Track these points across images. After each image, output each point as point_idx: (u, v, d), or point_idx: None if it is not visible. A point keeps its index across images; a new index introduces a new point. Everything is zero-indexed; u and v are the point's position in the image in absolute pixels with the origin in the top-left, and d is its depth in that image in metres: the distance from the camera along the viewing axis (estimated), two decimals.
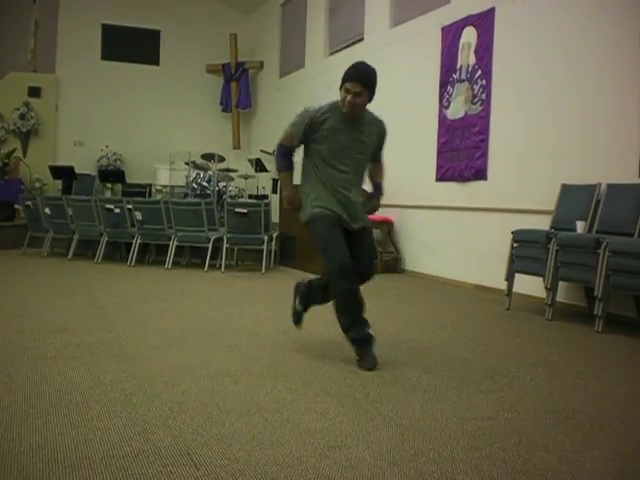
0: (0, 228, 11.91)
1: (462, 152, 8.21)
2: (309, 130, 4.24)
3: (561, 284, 6.09)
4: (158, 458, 2.60)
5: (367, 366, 4.01)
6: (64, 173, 12.49)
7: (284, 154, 4.41)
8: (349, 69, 4.24)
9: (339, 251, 4.09)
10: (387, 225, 9.51)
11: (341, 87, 4.21)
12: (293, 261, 9.58)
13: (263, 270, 8.83)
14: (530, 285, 6.53)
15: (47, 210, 10.29)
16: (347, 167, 4.28)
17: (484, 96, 7.84)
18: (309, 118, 4.25)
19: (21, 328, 5.03)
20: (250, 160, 13.03)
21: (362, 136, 4.29)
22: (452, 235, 8.38)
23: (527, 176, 7.17)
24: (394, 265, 9.35)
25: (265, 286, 7.90)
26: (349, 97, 4.13)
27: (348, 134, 4.23)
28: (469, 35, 8.16)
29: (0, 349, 4.34)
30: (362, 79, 4.15)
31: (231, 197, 11.71)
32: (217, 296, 7.12)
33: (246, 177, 12.55)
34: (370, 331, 4.15)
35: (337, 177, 4.28)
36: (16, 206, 12.32)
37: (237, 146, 15.31)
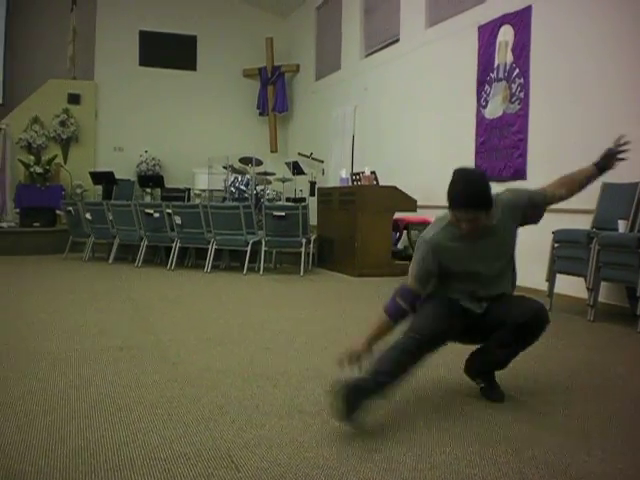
0: (42, 233, 12.11)
1: (500, 152, 8.13)
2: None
3: (603, 284, 5.99)
4: (199, 460, 2.61)
5: None
6: (104, 179, 12.67)
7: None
8: (453, 190, 3.37)
9: None
10: (426, 226, 9.42)
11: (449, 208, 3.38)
12: (331, 263, 9.58)
13: (301, 273, 8.84)
14: (571, 286, 6.43)
15: (88, 215, 10.43)
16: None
17: (522, 95, 7.76)
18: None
19: (63, 331, 5.10)
20: (287, 163, 13.06)
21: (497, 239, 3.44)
22: None
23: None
24: None
25: (303, 289, 7.91)
26: (464, 225, 3.31)
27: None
28: (506, 34, 8.09)
29: (42, 352, 4.41)
30: (472, 203, 3.26)
31: (269, 200, 11.75)
32: (256, 299, 7.15)
33: (284, 180, 12.59)
34: None
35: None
36: (58, 212, 12.52)
37: (274, 149, 15.36)
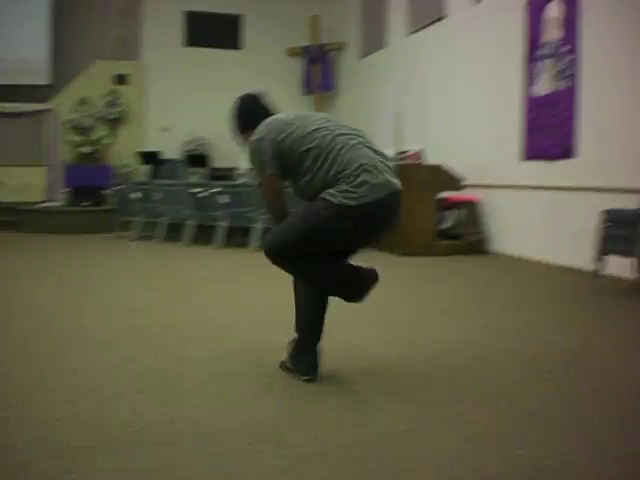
0: (90, 213, 12.31)
1: (549, 130, 8.00)
2: None
3: None
4: (245, 436, 2.65)
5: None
6: (151, 158, 12.80)
7: None
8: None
9: None
10: (472, 205, 9.37)
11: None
12: (377, 243, 9.53)
13: None
14: (620, 266, 6.32)
15: (136, 195, 10.56)
16: None
17: (570, 72, 7.61)
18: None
19: (111, 309, 5.20)
20: None
21: None
22: (539, 215, 8.19)
23: (617, 153, 6.93)
24: (480, 247, 9.21)
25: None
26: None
27: None
28: (554, 9, 7.92)
29: (90, 330, 4.50)
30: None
31: None
32: None
33: None
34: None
35: None
36: (106, 191, 12.71)
37: None
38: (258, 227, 9.26)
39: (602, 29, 7.21)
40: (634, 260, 5.78)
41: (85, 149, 13.37)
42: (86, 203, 12.48)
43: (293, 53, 15.50)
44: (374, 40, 13.47)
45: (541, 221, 8.14)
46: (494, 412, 2.96)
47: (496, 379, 3.47)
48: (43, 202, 12.69)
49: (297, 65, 15.57)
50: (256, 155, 3.36)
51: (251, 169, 3.50)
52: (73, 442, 2.57)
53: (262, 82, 15.14)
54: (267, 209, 3.49)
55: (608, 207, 6.18)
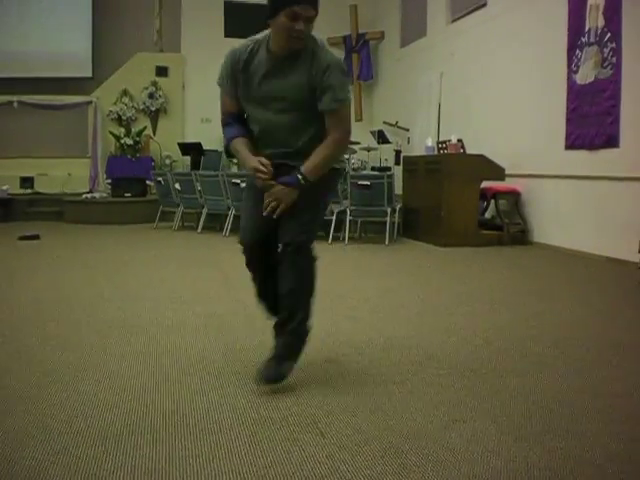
0: (133, 203, 12.46)
1: (592, 118, 7.86)
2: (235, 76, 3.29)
3: None
4: (285, 425, 2.66)
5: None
6: (192, 149, 12.89)
7: (225, 124, 3.42)
8: None
9: (243, 220, 3.41)
10: (514, 195, 9.27)
11: (277, 13, 2.95)
12: (416, 233, 9.51)
13: (386, 242, 8.82)
14: None
15: (177, 185, 10.66)
16: (276, 125, 3.15)
17: (614, 59, 7.46)
18: (227, 61, 3.37)
19: (154, 299, 5.26)
20: (372, 132, 12.98)
21: (290, 81, 3.07)
22: (582, 205, 8.08)
23: None
24: (521, 237, 9.11)
25: (389, 258, 7.89)
26: (300, 26, 2.94)
27: (269, 79, 3.14)
28: None
29: (135, 319, 4.56)
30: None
31: (354, 170, 11.73)
32: (341, 268, 7.17)
33: (368, 149, 12.53)
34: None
35: (263, 143, 3.23)
36: (148, 182, 12.86)
37: (359, 118, 15.28)
38: None
39: None
40: None
41: (127, 140, 13.51)
42: (128, 194, 12.63)
43: (333, 43, 15.44)
44: (414, 29, 13.38)
45: (584, 211, 8.02)
46: (535, 404, 2.93)
47: (539, 371, 3.44)
48: (87, 193, 12.87)
49: (337, 54, 15.50)
50: (346, 76, 3.10)
51: (346, 83, 3.10)
52: (116, 429, 2.61)
53: None
54: (345, 136, 3.09)
55: None
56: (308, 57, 3.03)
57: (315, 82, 3.00)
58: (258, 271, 3.41)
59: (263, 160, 3.01)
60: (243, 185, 9.70)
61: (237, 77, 3.21)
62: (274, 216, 3.01)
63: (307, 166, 2.99)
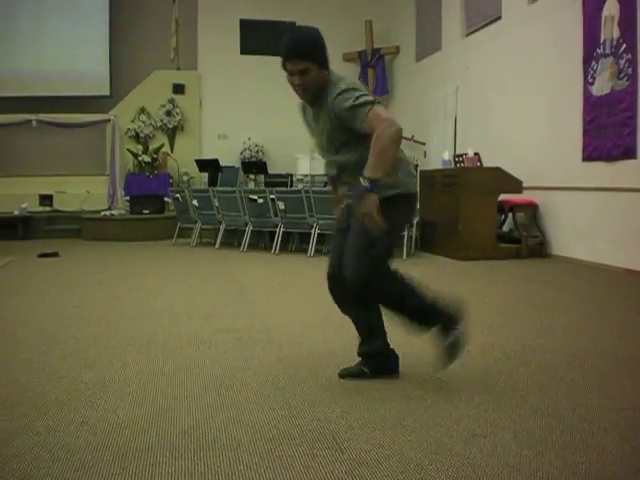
0: (151, 220, 12.53)
1: (609, 130, 7.83)
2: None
3: None
4: (304, 441, 2.66)
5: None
6: (209, 166, 12.97)
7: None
8: (281, 44, 3.20)
9: (329, 260, 3.56)
10: (532, 208, 9.23)
11: (283, 68, 3.24)
12: (434, 247, 9.49)
13: (404, 256, 8.79)
14: None
15: (195, 202, 10.71)
16: (334, 160, 3.42)
17: (630, 70, 7.44)
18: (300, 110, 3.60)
19: (172, 314, 5.28)
20: None
21: (322, 119, 3.33)
22: (601, 217, 8.03)
23: None
24: (540, 250, 9.06)
25: (407, 272, 7.84)
26: (294, 79, 3.21)
27: (315, 120, 3.42)
28: (611, 7, 7.75)
29: (152, 334, 4.57)
30: (296, 50, 3.14)
31: None
32: None
33: None
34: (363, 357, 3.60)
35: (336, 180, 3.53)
36: (166, 199, 12.93)
37: None
38: (313, 232, 9.30)
39: None
40: None
41: (145, 158, 13.61)
42: (146, 211, 12.70)
43: (349, 58, 15.51)
44: (429, 43, 13.41)
45: (603, 223, 7.98)
46: (556, 419, 2.91)
47: (557, 386, 3.41)
48: (105, 210, 12.96)
49: (353, 70, 15.57)
50: (360, 87, 3.22)
51: (354, 94, 3.14)
52: (135, 445, 2.62)
53: None
54: (385, 127, 3.04)
55: None
56: (327, 97, 3.22)
57: (336, 114, 3.19)
58: (340, 301, 3.55)
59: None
60: (261, 201, 9.75)
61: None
62: (371, 226, 3.06)
63: (368, 171, 3.04)
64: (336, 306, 3.56)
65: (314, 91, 3.24)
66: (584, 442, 2.64)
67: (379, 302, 3.41)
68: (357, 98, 3.11)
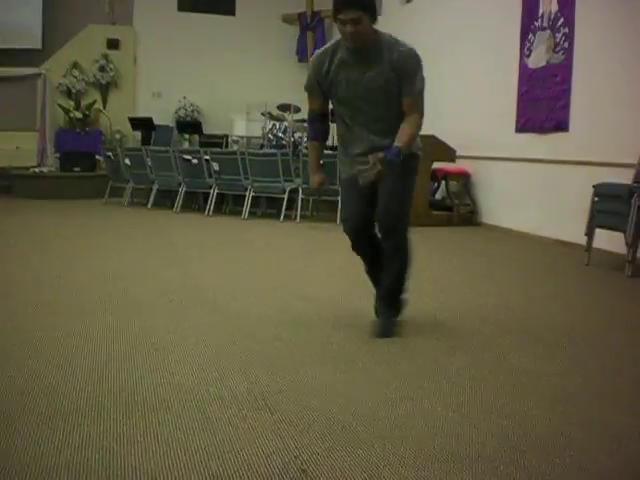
0: (83, 178, 12.25)
1: (543, 102, 7.97)
2: (320, 81, 3.62)
3: None
4: (234, 403, 2.67)
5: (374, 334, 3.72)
6: (143, 124, 12.71)
7: (309, 120, 3.87)
8: None
9: (346, 211, 3.84)
10: (464, 177, 9.37)
11: (335, 19, 3.43)
12: None
13: (338, 221, 8.83)
14: (611, 241, 6.35)
15: (127, 161, 10.50)
16: (364, 115, 3.60)
17: (566, 45, 7.56)
18: (312, 67, 3.65)
19: (104, 276, 5.20)
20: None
21: (371, 72, 3.48)
22: (531, 188, 8.20)
23: (610, 128, 6.92)
24: (471, 218, 9.23)
25: (340, 236, 7.87)
26: (348, 29, 3.35)
27: (358, 73, 3.51)
28: None
29: (83, 295, 4.51)
30: (354, 1, 3.35)
31: (306, 148, 11.68)
32: (292, 247, 7.19)
33: None
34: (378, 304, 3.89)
35: (355, 129, 3.66)
36: (97, 157, 12.63)
37: None
38: (248, 195, 9.25)
39: (596, 2, 7.15)
40: (624, 235, 5.79)
41: (77, 114, 13.26)
42: (77, 168, 12.41)
43: (288, 20, 15.34)
44: None
45: (533, 194, 8.15)
46: (481, 382, 2.99)
47: (485, 350, 3.50)
48: (35, 167, 12.61)
49: (292, 32, 15.43)
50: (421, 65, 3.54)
51: (421, 68, 3.55)
52: (63, 407, 2.59)
53: (256, 49, 15.07)
54: (421, 118, 3.55)
55: (600, 181, 6.19)
56: (385, 49, 3.46)
57: (395, 69, 3.44)
58: (364, 255, 3.83)
59: (320, 181, 3.86)
60: (195, 161, 9.62)
61: (323, 81, 3.59)
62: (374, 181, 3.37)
63: (402, 141, 3.39)
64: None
65: (364, 40, 3.41)
66: (509, 405, 2.73)
67: (404, 248, 3.72)
68: (422, 74, 3.52)
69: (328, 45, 3.62)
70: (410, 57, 3.49)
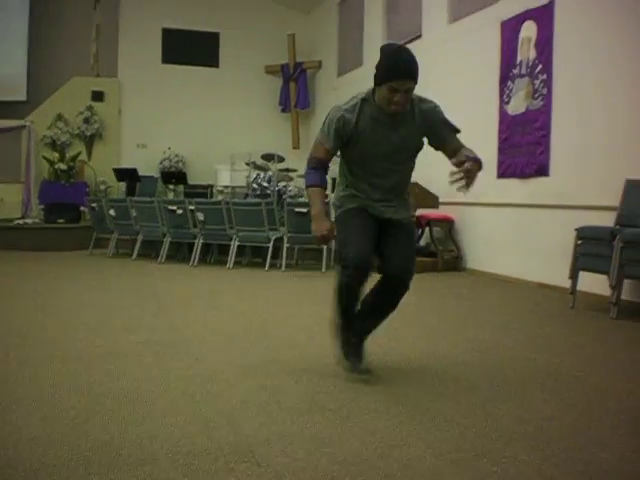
0: (66, 230, 12.23)
1: (523, 148, 8.09)
2: (343, 137, 3.63)
3: (626, 282, 5.95)
4: (221, 455, 2.64)
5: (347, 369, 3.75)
6: (128, 175, 12.77)
7: (314, 168, 3.84)
8: (391, 61, 3.46)
9: (356, 241, 3.59)
10: (448, 223, 9.43)
11: (381, 83, 3.45)
12: None
13: (323, 269, 8.85)
14: (594, 283, 6.39)
15: (112, 212, 10.52)
16: (388, 174, 3.68)
17: (545, 91, 7.70)
18: (337, 123, 3.62)
19: (88, 326, 5.16)
20: None
21: (402, 130, 3.59)
22: (514, 233, 8.27)
23: (590, 172, 7.02)
24: (455, 263, 9.27)
25: (325, 285, 7.86)
26: (398, 97, 3.40)
27: (389, 131, 3.58)
28: (529, 29, 8.03)
29: (67, 347, 4.46)
30: (413, 73, 3.42)
31: (291, 197, 11.76)
32: (278, 295, 7.18)
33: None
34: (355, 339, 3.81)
35: (373, 187, 3.69)
36: (82, 208, 12.63)
37: (296, 146, 15.36)
38: (233, 244, 9.26)
39: (574, 49, 7.31)
40: (608, 277, 5.83)
41: (61, 165, 13.30)
42: (61, 220, 12.40)
43: (271, 71, 15.57)
44: (351, 58, 13.57)
45: (516, 239, 8.21)
46: (468, 428, 2.97)
47: (471, 397, 3.49)
48: (19, 219, 12.58)
49: (275, 83, 15.63)
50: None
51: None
52: (47, 460, 2.55)
53: (240, 100, 15.26)
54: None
55: (582, 225, 6.25)
56: (413, 110, 3.58)
57: (427, 125, 3.62)
58: (358, 295, 3.69)
59: (329, 229, 3.61)
60: (180, 212, 9.65)
61: (345, 135, 3.61)
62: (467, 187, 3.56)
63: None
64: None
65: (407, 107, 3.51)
66: (497, 451, 2.71)
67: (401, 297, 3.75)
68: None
69: (353, 102, 3.62)
70: (437, 106, 3.71)
